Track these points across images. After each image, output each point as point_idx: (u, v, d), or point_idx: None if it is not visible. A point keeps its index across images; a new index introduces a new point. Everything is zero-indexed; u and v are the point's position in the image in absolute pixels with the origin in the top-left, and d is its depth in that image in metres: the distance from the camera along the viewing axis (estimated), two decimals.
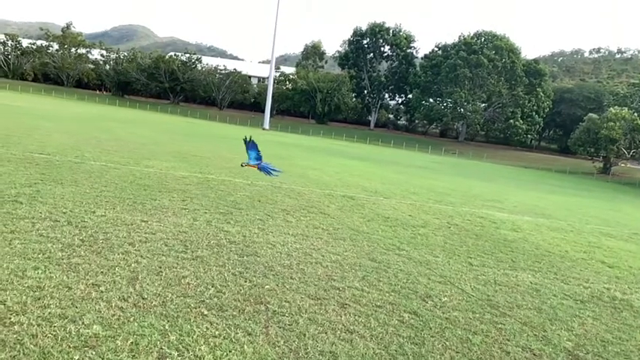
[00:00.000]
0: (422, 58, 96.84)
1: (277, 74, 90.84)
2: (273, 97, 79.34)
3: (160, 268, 4.59)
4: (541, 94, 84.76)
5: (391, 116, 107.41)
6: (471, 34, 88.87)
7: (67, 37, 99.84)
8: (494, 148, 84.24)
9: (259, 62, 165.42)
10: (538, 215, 13.08)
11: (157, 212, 6.86)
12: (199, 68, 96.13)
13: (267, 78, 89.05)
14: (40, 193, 6.93)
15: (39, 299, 3.56)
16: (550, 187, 30.44)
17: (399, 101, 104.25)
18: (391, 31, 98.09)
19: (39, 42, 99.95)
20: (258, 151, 7.95)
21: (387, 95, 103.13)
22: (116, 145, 15.32)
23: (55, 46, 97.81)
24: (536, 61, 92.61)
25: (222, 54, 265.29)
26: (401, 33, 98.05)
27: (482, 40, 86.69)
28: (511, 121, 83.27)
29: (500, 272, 6.26)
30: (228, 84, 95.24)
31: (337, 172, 17.46)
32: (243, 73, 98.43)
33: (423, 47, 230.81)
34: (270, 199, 9.23)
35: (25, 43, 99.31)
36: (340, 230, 7.38)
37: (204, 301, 3.99)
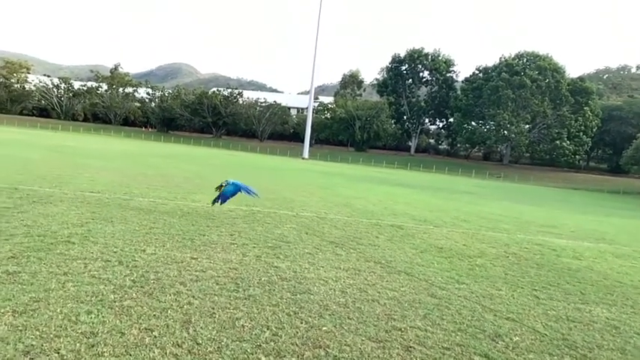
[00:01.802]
0: (462, 82, 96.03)
1: (316, 104, 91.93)
2: (312, 126, 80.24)
3: (213, 309, 4.43)
4: (588, 112, 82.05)
5: (432, 141, 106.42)
6: (512, 55, 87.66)
7: (115, 77, 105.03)
8: (541, 170, 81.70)
9: (298, 93, 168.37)
10: (599, 240, 12.31)
11: (206, 248, 6.77)
12: (240, 102, 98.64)
13: (306, 108, 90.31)
14: (91, 232, 6.98)
15: (92, 346, 3.44)
16: (605, 209, 28.96)
17: (440, 125, 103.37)
18: (430, 57, 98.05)
19: (89, 83, 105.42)
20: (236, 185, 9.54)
21: (427, 120, 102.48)
22: (163, 180, 15.59)
23: (104, 87, 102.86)
24: (581, 79, 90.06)
25: (262, 87, 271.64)
26: (440, 57, 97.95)
27: (525, 60, 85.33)
28: (557, 142, 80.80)
29: (570, 307, 5.78)
30: (269, 116, 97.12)
31: (382, 200, 17.13)
32: (283, 104, 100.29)
33: (462, 70, 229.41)
34: (317, 231, 9.03)
35: (76, 85, 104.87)
36: (393, 263, 7.06)
37: (260, 345, 3.78)
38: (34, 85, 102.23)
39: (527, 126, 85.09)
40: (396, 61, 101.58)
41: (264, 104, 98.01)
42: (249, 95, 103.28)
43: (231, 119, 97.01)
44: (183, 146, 68.49)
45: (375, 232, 9.70)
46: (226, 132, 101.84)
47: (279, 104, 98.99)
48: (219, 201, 9.64)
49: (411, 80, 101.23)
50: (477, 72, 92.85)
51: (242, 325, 4.15)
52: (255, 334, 3.98)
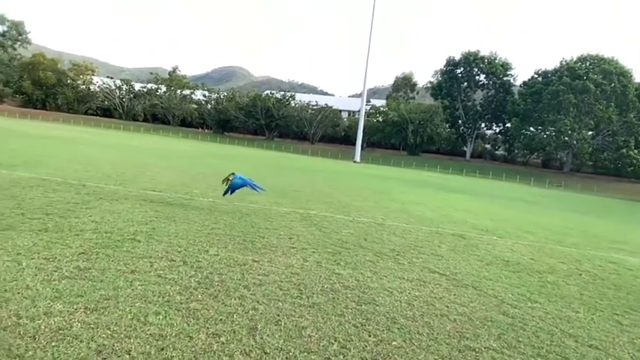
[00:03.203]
0: (520, 86, 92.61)
1: (368, 107, 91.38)
2: (363, 129, 79.73)
3: (278, 316, 4.32)
4: None
5: (488, 146, 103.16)
6: (574, 59, 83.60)
7: (173, 80, 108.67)
8: (605, 179, 77.25)
9: (349, 96, 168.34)
10: None
11: (267, 251, 6.70)
12: (292, 105, 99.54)
13: (358, 111, 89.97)
14: (155, 230, 7.08)
15: (162, 350, 3.40)
16: None
17: (497, 130, 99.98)
18: (486, 60, 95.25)
19: (149, 85, 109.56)
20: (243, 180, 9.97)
21: (483, 125, 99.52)
22: (220, 181, 15.79)
23: (163, 89, 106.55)
24: None
25: (314, 90, 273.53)
26: (496, 61, 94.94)
27: (588, 64, 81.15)
28: (623, 150, 76.36)
29: None
30: (320, 119, 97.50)
31: (439, 206, 16.64)
32: (334, 107, 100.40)
33: (520, 74, 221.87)
34: (376, 238, 8.80)
35: (137, 86, 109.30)
36: (459, 275, 6.74)
37: (329, 358, 3.62)
38: (99, 87, 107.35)
39: (591, 133, 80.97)
40: (451, 64, 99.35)
41: (315, 107, 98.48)
42: (300, 98, 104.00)
43: (283, 121, 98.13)
44: (238, 147, 69.87)
45: (436, 240, 9.36)
46: (278, 134, 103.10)
47: (331, 107, 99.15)
48: (230, 192, 10.02)
49: (466, 83, 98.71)
50: (535, 76, 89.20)
51: (309, 334, 4.01)
52: (323, 346, 3.83)
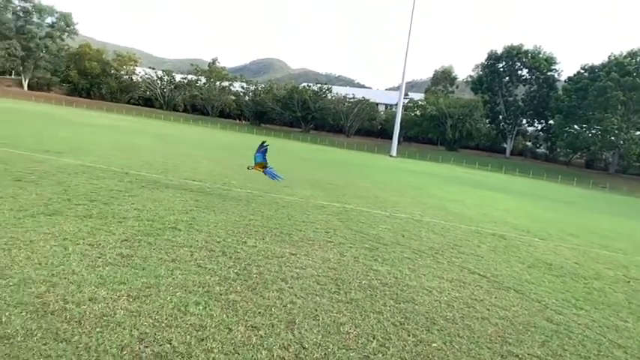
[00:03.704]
0: (565, 81, 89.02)
1: (406, 100, 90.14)
2: (401, 123, 78.84)
3: (316, 311, 4.29)
4: None
5: (529, 143, 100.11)
6: (624, 54, 79.84)
7: (212, 71, 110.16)
8: None
9: (386, 89, 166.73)
10: None
11: (303, 244, 6.69)
12: (329, 97, 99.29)
13: (395, 105, 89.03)
14: (195, 220, 7.17)
15: (202, 340, 3.42)
16: None
17: (539, 127, 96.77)
18: (529, 54, 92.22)
19: (189, 76, 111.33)
20: (265, 157, 10.28)
21: (524, 121, 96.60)
22: (258, 173, 15.90)
23: (203, 80, 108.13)
24: None
25: (350, 83, 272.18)
26: (540, 55, 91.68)
27: (638, 59, 77.41)
28: None
29: None
30: (356, 112, 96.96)
31: (478, 204, 16.27)
32: (371, 100, 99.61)
33: (565, 69, 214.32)
34: (414, 235, 8.66)
35: (177, 77, 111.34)
36: (500, 278, 6.55)
37: (368, 356, 3.58)
38: (141, 77, 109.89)
39: (639, 132, 77.43)
40: (493, 58, 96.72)
41: (352, 100, 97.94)
42: (337, 91, 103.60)
43: (319, 114, 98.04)
44: (274, 139, 70.33)
45: (475, 240, 9.14)
46: (314, 126, 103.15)
47: (368, 100, 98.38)
48: (268, 175, 10.39)
49: (508, 78, 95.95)
50: (582, 71, 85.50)
51: (347, 331, 3.97)
52: (362, 344, 3.78)
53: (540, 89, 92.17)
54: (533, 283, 6.50)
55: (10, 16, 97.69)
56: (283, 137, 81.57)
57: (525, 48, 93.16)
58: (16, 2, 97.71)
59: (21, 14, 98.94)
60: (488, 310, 5.08)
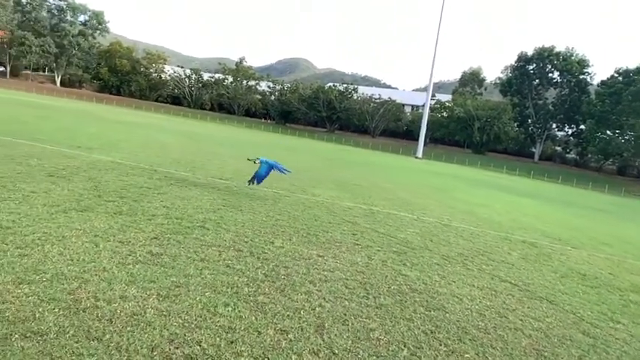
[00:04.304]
0: (598, 85, 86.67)
1: (432, 102, 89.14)
2: (427, 125, 78.03)
3: (345, 315, 4.22)
4: None
5: (559, 148, 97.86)
6: None
7: (240, 70, 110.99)
8: None
9: (413, 90, 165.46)
10: None
11: (331, 246, 6.63)
12: (355, 98, 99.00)
13: (421, 106, 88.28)
14: (223, 219, 7.18)
15: (231, 343, 3.39)
16: None
17: (569, 132, 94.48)
18: (561, 56, 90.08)
19: (217, 75, 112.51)
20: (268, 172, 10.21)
21: (554, 125, 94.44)
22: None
23: (230, 79, 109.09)
24: None
25: (376, 83, 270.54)
26: (572, 57, 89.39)
27: None
28: None
29: None
30: (382, 112, 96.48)
31: (507, 210, 15.94)
32: (397, 101, 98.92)
33: (599, 72, 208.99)
34: (442, 240, 8.51)
35: (205, 76, 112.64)
36: (532, 287, 6.36)
37: None
38: (169, 75, 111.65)
39: None
40: (523, 60, 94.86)
41: (378, 100, 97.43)
42: (363, 91, 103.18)
43: (344, 114, 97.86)
44: (299, 139, 70.50)
45: (505, 247, 8.93)
46: (339, 127, 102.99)
47: (394, 101, 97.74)
48: (255, 182, 9.99)
49: (538, 81, 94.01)
50: (615, 75, 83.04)
51: (377, 337, 3.89)
52: (393, 351, 3.69)
53: (572, 93, 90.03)
54: (566, 294, 6.30)
55: (45, 14, 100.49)
56: (308, 137, 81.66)
57: (557, 50, 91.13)
58: (51, 0, 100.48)
59: (55, 12, 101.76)
60: (521, 320, 4.93)
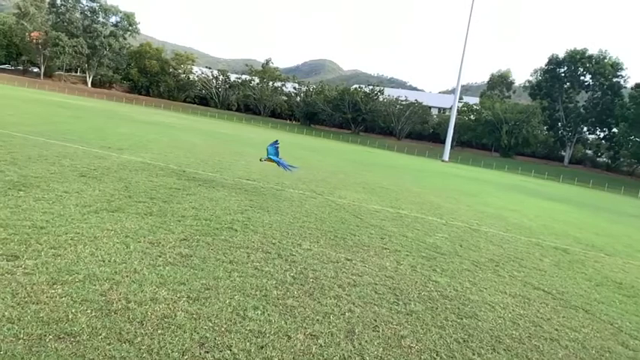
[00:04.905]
0: (632, 88, 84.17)
1: (460, 104, 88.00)
2: (454, 127, 77.06)
3: (375, 321, 4.15)
4: None
5: (589, 152, 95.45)
6: None
7: (266, 72, 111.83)
8: None
9: (439, 92, 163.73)
10: None
11: (358, 250, 6.56)
12: (381, 99, 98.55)
13: (448, 108, 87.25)
14: (250, 220, 7.19)
15: (262, 348, 3.35)
16: None
17: (601, 136, 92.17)
18: (594, 59, 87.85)
19: (243, 76, 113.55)
20: (277, 151, 10.62)
21: (585, 129, 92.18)
22: (310, 173, 15.92)
23: (256, 80, 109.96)
24: None
25: (402, 85, 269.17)
26: (606, 60, 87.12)
27: None
28: None
29: None
30: (408, 114, 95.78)
31: (537, 215, 15.57)
32: (424, 103, 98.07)
33: (633, 76, 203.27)
34: (472, 245, 8.34)
35: (232, 77, 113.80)
36: (566, 295, 6.16)
37: None
38: (197, 76, 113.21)
39: None
40: (554, 63, 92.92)
41: (404, 102, 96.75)
42: (389, 93, 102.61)
43: (370, 116, 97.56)
44: (324, 140, 70.54)
45: (537, 253, 8.70)
46: (364, 128, 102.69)
47: (420, 103, 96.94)
48: (288, 168, 10.60)
49: (569, 84, 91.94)
50: None
51: (408, 345, 3.80)
52: None
53: (604, 96, 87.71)
54: (603, 303, 6.09)
55: (78, 15, 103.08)
56: (333, 138, 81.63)
57: (589, 52, 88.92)
58: (84, 2, 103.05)
59: (88, 13, 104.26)
60: (556, 330, 4.77)
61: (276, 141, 10.93)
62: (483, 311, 4.94)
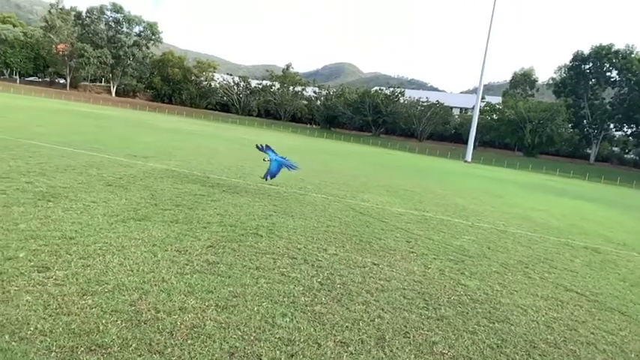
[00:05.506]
0: None
1: (482, 104, 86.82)
2: (476, 127, 76.07)
3: (406, 327, 4.08)
4: None
5: (616, 149, 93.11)
6: None
7: (286, 77, 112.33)
8: None
9: (461, 92, 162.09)
10: None
11: (385, 254, 6.49)
12: (401, 101, 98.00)
13: (470, 108, 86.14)
14: (275, 225, 7.19)
15: (292, 356, 3.32)
16: None
17: (628, 132, 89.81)
18: (621, 54, 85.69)
19: (264, 82, 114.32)
20: (274, 151, 10.36)
21: (612, 125, 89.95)
22: (331, 177, 15.88)
23: (277, 85, 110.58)
24: None
25: (423, 86, 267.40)
26: (633, 55, 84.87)
27: None
28: None
29: None
30: (429, 115, 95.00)
31: (565, 214, 15.22)
32: (445, 104, 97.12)
33: None
34: (500, 247, 8.18)
35: (253, 83, 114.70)
36: (601, 297, 5.98)
37: None
38: (219, 83, 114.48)
39: None
40: (578, 59, 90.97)
41: (425, 103, 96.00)
42: (410, 94, 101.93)
43: (390, 118, 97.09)
44: (345, 143, 70.38)
45: (567, 253, 8.49)
46: (385, 131, 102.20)
47: (442, 104, 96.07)
48: (268, 177, 10.04)
49: (594, 80, 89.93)
50: None
51: (441, 351, 3.73)
52: None
53: (631, 91, 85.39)
54: (639, 305, 5.89)
55: (102, 26, 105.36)
56: (353, 141, 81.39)
57: (616, 48, 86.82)
58: (109, 13, 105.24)
59: (112, 24, 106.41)
60: (592, 334, 4.63)
61: (268, 145, 10.61)
62: (515, 315, 4.83)
